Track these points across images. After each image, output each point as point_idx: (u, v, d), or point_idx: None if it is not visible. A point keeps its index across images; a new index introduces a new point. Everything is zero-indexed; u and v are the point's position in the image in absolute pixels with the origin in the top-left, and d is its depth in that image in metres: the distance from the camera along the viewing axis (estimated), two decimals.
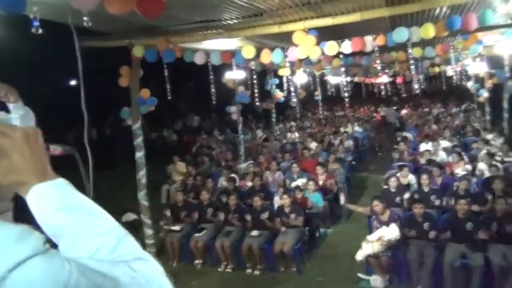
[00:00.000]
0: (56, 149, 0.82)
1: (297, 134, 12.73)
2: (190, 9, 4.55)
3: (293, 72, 10.91)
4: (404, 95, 20.31)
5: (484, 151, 8.06)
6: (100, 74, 10.07)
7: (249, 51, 5.78)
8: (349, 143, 10.85)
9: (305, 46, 5.01)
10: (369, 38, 5.77)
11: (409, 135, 11.40)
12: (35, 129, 0.71)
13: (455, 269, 4.98)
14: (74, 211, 0.64)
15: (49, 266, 0.50)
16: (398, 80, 19.88)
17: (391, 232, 5.35)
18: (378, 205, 5.56)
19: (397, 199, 6.25)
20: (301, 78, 12.64)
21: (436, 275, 5.04)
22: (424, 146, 9.33)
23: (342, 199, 7.56)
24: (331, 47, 5.68)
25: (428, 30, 5.08)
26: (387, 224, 5.46)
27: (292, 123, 14.52)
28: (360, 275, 5.43)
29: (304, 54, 5.29)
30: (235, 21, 5.05)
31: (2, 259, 0.47)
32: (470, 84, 14.62)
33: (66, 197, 0.66)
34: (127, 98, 6.18)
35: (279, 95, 11.85)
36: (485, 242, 5.04)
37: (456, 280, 4.95)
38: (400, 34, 5.25)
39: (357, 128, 13.37)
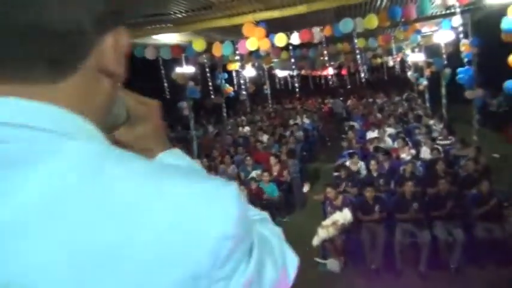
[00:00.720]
0: None
1: (248, 128, 12.82)
2: (138, 2, 4.49)
3: (242, 67, 10.98)
4: (349, 87, 20.95)
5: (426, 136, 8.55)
6: None
7: (199, 45, 5.78)
8: (300, 134, 11.08)
9: (255, 38, 5.08)
10: (316, 29, 5.94)
11: (356, 124, 11.80)
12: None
13: (405, 247, 5.27)
14: None
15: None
16: (343, 71, 20.48)
17: (345, 216, 5.55)
18: (330, 191, 5.76)
19: (348, 185, 6.49)
20: (250, 72, 12.73)
21: (388, 254, 5.30)
22: (370, 134, 9.72)
23: (306, 188, 7.76)
24: (280, 39, 5.79)
25: (372, 21, 5.31)
26: (340, 208, 5.66)
27: (243, 118, 14.61)
28: (316, 259, 5.60)
29: (254, 46, 5.37)
30: (184, 14, 5.03)
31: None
32: (410, 74, 15.29)
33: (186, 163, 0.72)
34: None
35: (229, 89, 11.88)
36: (431, 220, 5.37)
37: (406, 257, 5.24)
38: (346, 25, 5.45)
39: (306, 120, 13.66)
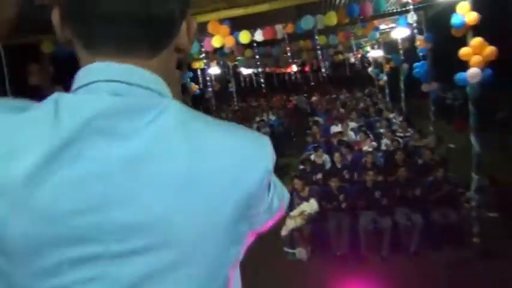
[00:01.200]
0: None
1: None
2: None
3: (207, 65, 11.06)
4: (313, 83, 21.36)
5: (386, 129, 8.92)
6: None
7: None
8: (266, 130, 11.29)
9: (220, 35, 5.21)
10: (279, 27, 6.13)
11: (320, 119, 12.11)
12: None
13: (369, 233, 5.55)
14: None
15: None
16: (307, 68, 20.86)
17: (311, 206, 5.78)
18: (297, 183, 5.97)
19: (314, 177, 6.73)
20: (215, 70, 12.82)
21: (353, 241, 5.57)
22: (334, 128, 10.02)
23: None
24: (244, 36, 5.94)
25: (332, 18, 5.55)
26: (307, 199, 5.88)
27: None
28: (285, 249, 5.80)
29: (219, 43, 5.50)
30: None
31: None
32: (370, 70, 15.77)
33: None
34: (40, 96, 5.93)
35: (194, 87, 11.92)
36: (392, 207, 5.67)
37: (370, 242, 5.52)
38: (307, 22, 5.66)
39: (272, 116, 13.88)
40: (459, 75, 4.86)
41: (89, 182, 0.59)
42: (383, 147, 8.18)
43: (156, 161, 0.61)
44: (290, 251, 5.78)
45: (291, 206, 6.09)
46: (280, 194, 0.83)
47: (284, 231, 5.76)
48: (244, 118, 14.11)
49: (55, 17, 0.68)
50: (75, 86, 0.65)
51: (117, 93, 0.63)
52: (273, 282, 4.97)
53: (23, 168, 0.56)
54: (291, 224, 5.73)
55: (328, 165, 7.32)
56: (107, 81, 0.63)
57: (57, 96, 0.62)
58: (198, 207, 0.64)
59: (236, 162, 0.68)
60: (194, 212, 0.64)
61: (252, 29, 6.11)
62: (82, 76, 0.65)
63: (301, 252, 5.69)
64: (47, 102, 0.61)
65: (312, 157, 7.55)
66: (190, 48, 0.78)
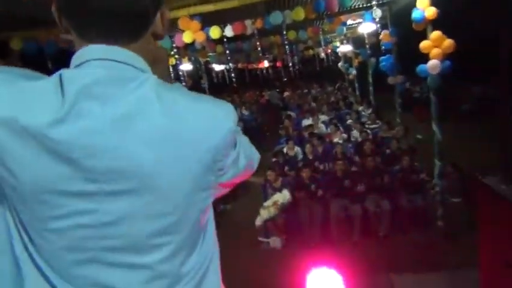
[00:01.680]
0: None
1: None
2: None
3: (179, 61, 11.09)
4: (285, 79, 21.58)
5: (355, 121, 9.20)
6: None
7: None
8: (239, 124, 11.40)
9: (190, 31, 5.31)
10: (248, 22, 6.26)
11: (292, 113, 12.31)
12: None
13: (340, 220, 5.76)
14: None
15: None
16: (278, 64, 21.07)
17: (284, 196, 5.96)
18: (271, 174, 6.14)
19: (286, 168, 6.91)
20: (187, 66, 12.84)
21: (325, 228, 5.77)
22: (305, 122, 10.24)
23: None
24: (214, 31, 6.04)
25: (299, 13, 5.72)
26: (280, 190, 6.06)
27: None
28: (260, 238, 5.96)
29: (190, 39, 5.59)
30: None
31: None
32: (340, 64, 16.09)
33: None
34: None
35: None
36: (361, 195, 5.90)
37: (341, 229, 5.73)
38: (275, 17, 5.81)
39: (245, 112, 14.01)
40: (420, 67, 5.12)
41: (87, 134, 0.78)
42: (352, 139, 8.45)
43: (138, 120, 0.80)
44: (265, 240, 5.95)
45: (265, 197, 6.27)
46: (248, 153, 1.02)
47: (258, 221, 5.92)
48: None
49: (54, 9, 0.86)
50: (72, 64, 0.84)
51: (107, 68, 0.82)
52: (250, 271, 5.12)
53: (45, 119, 0.76)
54: (264, 214, 5.90)
55: (300, 157, 7.52)
56: (97, 59, 0.83)
57: (61, 71, 0.81)
58: (172, 159, 0.83)
59: (204, 123, 0.87)
60: (169, 163, 0.83)
61: (222, 24, 6.23)
62: (78, 57, 0.84)
63: (275, 241, 5.86)
64: (54, 76, 0.80)
65: (284, 149, 7.74)
66: (164, 34, 0.96)
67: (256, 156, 1.10)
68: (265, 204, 5.96)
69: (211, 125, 0.88)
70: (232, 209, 7.40)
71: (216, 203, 5.84)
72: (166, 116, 0.83)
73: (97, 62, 0.82)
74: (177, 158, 0.84)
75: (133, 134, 0.81)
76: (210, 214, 1.02)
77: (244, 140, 1.04)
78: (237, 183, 1.05)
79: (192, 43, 6.30)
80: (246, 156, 1.01)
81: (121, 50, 0.85)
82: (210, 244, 1.02)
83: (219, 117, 0.90)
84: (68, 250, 0.85)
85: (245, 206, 7.25)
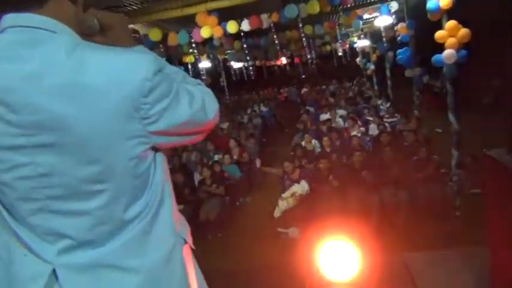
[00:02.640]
0: None
1: None
2: None
3: (198, 58, 11.26)
4: (303, 76, 21.58)
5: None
6: None
7: (155, 34, 6.07)
8: (258, 120, 11.54)
9: (208, 26, 5.44)
10: (264, 16, 6.37)
11: (310, 108, 12.37)
12: (126, 17, 1.20)
13: (357, 211, 5.81)
14: None
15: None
16: (296, 60, 21.11)
17: (302, 188, 6.05)
18: (288, 165, 6.25)
19: (303, 161, 6.99)
20: (205, 64, 13.02)
21: (342, 219, 5.82)
22: (323, 116, 10.28)
23: (258, 163, 8.19)
24: (231, 26, 6.17)
25: (314, 6, 5.80)
26: (298, 181, 6.15)
27: None
28: (279, 229, 6.06)
29: (207, 34, 5.73)
30: (139, 6, 5.31)
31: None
32: (358, 60, 16.03)
33: None
34: None
35: None
36: (378, 185, 5.94)
37: (357, 219, 5.77)
38: (291, 10, 5.91)
39: (263, 108, 14.12)
40: (436, 57, 5.14)
41: (3, 92, 0.91)
42: (370, 132, 8.46)
43: (46, 76, 0.91)
44: (283, 230, 6.04)
45: (283, 189, 6.36)
46: (197, 102, 1.10)
47: (277, 213, 6.03)
48: (235, 110, 14.34)
49: None
50: None
51: (17, 32, 0.96)
52: (270, 259, 5.22)
53: None
54: (283, 205, 6.00)
55: (317, 150, 7.59)
56: (12, 26, 0.96)
57: None
58: (85, 110, 0.93)
59: (112, 74, 0.96)
60: (83, 114, 0.93)
61: (239, 18, 6.35)
62: None
63: (293, 232, 5.94)
64: None
65: (303, 143, 7.82)
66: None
67: (211, 105, 1.15)
68: (284, 195, 6.05)
69: (121, 75, 0.96)
70: (252, 201, 7.51)
71: (236, 196, 5.99)
72: (74, 71, 0.93)
73: (11, 29, 0.96)
74: (89, 109, 0.93)
75: (44, 89, 0.91)
76: (154, 163, 1.09)
77: (194, 91, 1.11)
78: (196, 132, 1.13)
79: (211, 40, 6.45)
80: (191, 105, 1.08)
81: (30, 15, 0.96)
82: (157, 192, 1.10)
83: (130, 67, 0.97)
84: (21, 201, 0.98)
85: (264, 198, 7.35)
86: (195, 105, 1.09)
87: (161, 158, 1.13)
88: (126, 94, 0.96)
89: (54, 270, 1.00)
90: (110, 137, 0.96)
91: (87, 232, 1.01)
